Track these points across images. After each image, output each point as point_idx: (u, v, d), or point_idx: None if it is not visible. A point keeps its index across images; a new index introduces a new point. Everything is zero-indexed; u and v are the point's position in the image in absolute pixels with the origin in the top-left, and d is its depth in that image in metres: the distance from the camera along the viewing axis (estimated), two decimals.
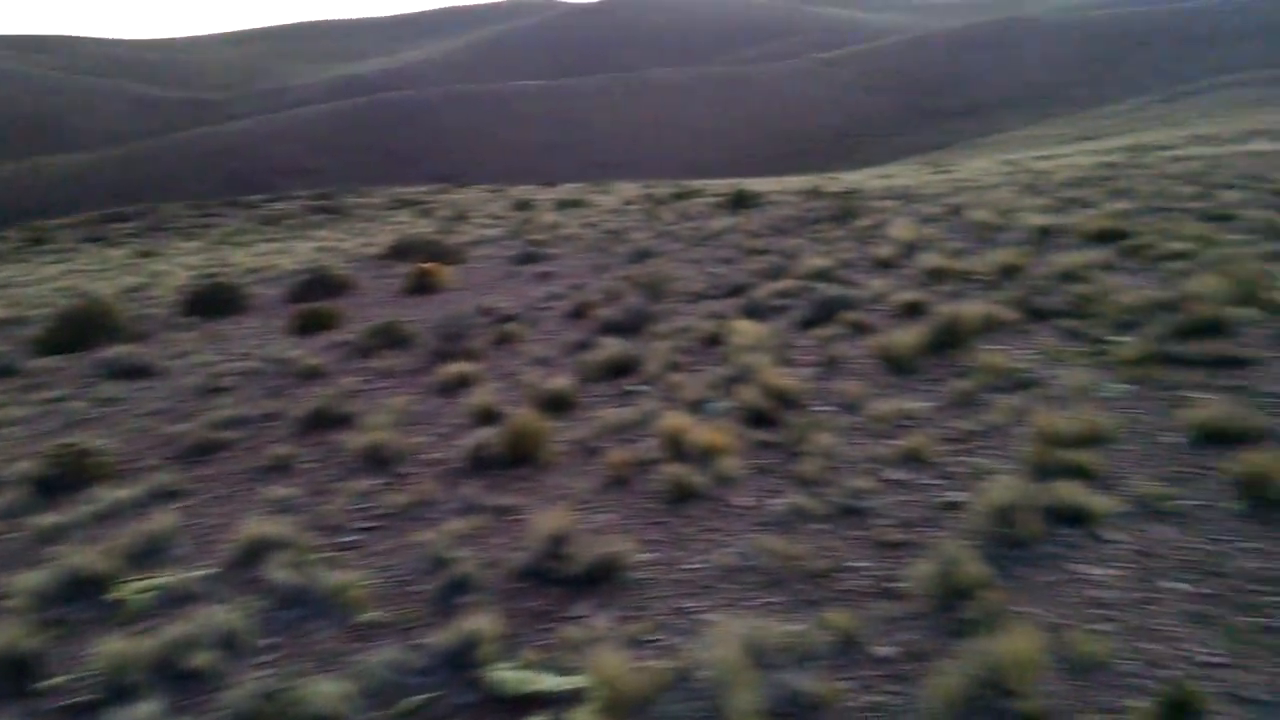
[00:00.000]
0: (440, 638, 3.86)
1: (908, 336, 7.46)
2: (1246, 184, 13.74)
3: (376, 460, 6.46)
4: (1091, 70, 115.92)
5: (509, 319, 10.72)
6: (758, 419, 6.26)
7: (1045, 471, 4.80)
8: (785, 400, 6.51)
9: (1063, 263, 9.45)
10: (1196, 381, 5.97)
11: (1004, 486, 4.46)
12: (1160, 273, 8.80)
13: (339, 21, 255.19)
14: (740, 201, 21.37)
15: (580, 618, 4.02)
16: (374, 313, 12.30)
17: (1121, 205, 12.92)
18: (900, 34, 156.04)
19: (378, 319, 11.08)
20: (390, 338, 10.24)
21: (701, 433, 5.84)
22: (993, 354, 6.94)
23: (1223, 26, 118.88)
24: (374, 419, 7.22)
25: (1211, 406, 5.31)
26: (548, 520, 4.69)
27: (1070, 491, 4.46)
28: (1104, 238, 10.70)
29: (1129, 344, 6.72)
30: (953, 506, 4.63)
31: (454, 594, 4.36)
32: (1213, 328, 6.87)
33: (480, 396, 7.40)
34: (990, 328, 7.72)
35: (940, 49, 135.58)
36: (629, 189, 35.53)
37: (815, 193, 22.98)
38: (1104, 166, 20.16)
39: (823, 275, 10.84)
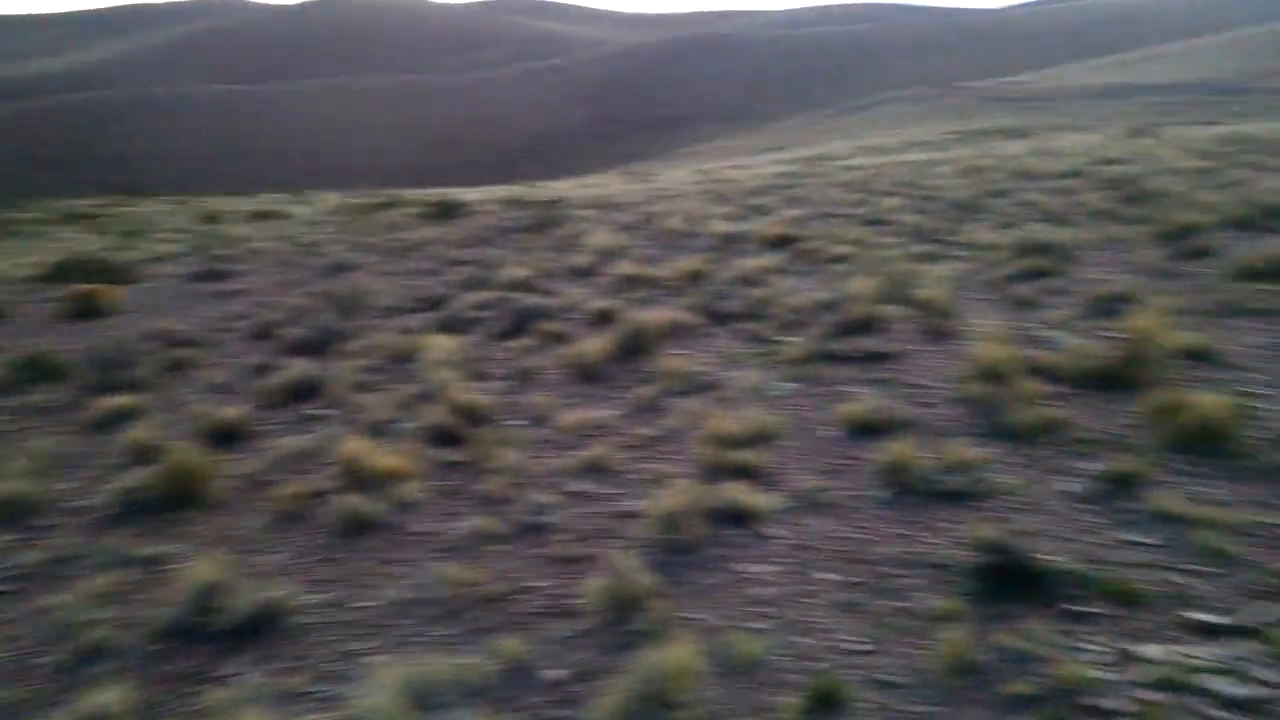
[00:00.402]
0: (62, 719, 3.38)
1: (597, 345, 7.55)
2: (901, 190, 15.16)
3: (11, 514, 5.66)
4: (780, 86, 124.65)
5: (183, 343, 9.84)
6: (444, 438, 6.07)
7: (716, 473, 4.96)
8: (474, 416, 6.36)
9: (742, 267, 9.95)
10: (852, 376, 6.42)
11: (676, 491, 4.55)
12: (825, 275, 9.47)
13: (3, 17, 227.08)
14: (444, 211, 20.99)
15: (231, 676, 3.67)
16: (23, 343, 10.92)
17: (796, 212, 13.85)
18: (603, 47, 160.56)
19: (26, 350, 9.83)
20: (39, 370, 9.08)
21: (383, 457, 5.57)
22: (676, 358, 7.15)
23: (889, 46, 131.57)
24: (12, 465, 6.34)
25: (863, 400, 5.71)
26: (201, 569, 4.26)
27: (736, 492, 4.62)
28: (779, 243, 11.40)
29: (795, 343, 7.13)
30: (630, 515, 4.67)
31: (86, 664, 3.85)
32: (867, 325, 7.45)
33: (140, 432, 6.69)
34: (675, 333, 7.96)
35: (643, 63, 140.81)
36: (329, 199, 34.04)
37: (519, 202, 23.01)
38: (784, 176, 21.61)
39: (522, 285, 10.81)
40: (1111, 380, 5.70)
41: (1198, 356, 5.96)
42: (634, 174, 34.17)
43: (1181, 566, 3.76)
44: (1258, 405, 5.16)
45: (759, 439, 5.39)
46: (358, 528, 4.91)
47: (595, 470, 5.32)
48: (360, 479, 5.42)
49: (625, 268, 10.81)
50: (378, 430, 6.32)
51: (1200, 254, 8.51)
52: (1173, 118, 36.72)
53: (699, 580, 4.00)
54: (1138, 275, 8.06)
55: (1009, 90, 72.95)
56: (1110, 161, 15.95)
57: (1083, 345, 6.25)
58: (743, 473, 4.94)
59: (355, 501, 5.07)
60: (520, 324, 8.86)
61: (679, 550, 4.22)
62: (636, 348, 7.60)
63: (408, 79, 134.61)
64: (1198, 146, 17.27)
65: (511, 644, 3.61)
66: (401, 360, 8.11)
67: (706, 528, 4.35)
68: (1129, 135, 24.18)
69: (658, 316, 8.12)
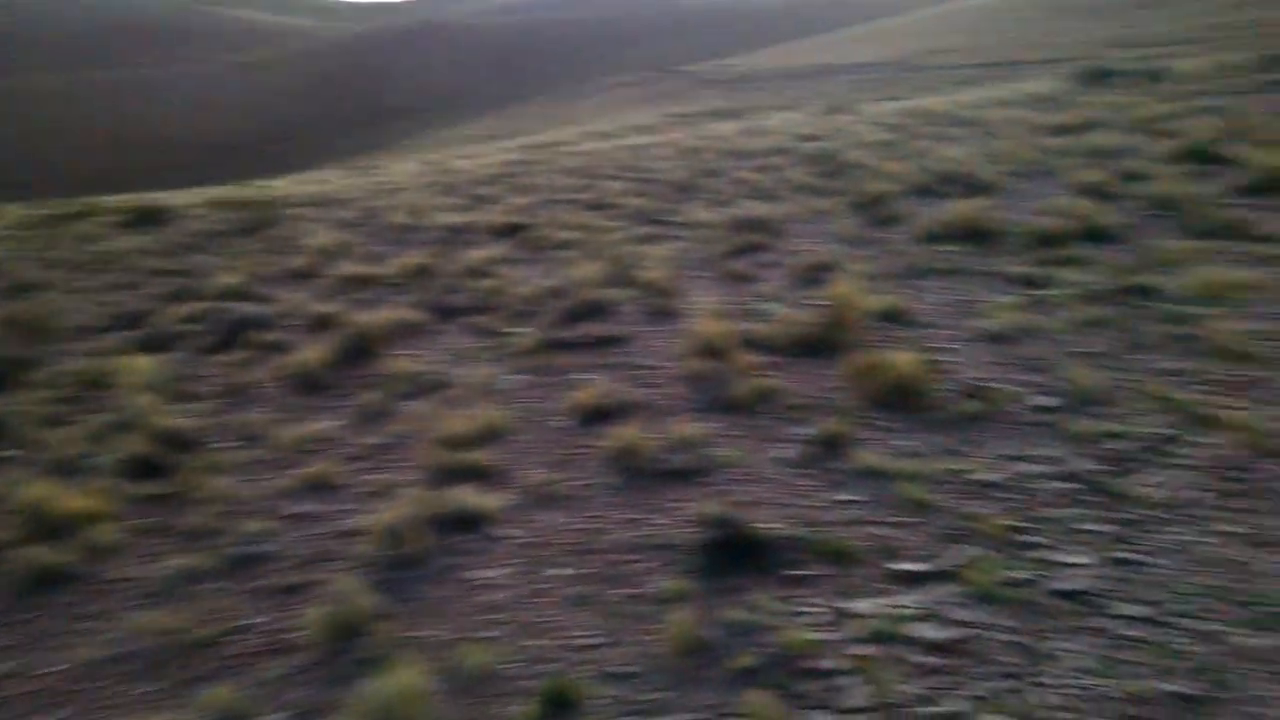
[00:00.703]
0: None
1: (318, 352, 7.15)
2: (624, 174, 15.43)
3: None
4: (504, 73, 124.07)
5: None
6: (145, 469, 5.53)
7: (445, 477, 4.80)
8: (179, 443, 5.84)
9: (470, 259, 9.77)
10: (581, 363, 6.42)
11: (402, 501, 4.36)
12: (552, 262, 9.46)
13: None
14: (145, 217, 19.29)
15: None
16: None
17: (523, 200, 13.77)
18: (316, 38, 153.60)
19: None
20: None
21: (73, 499, 4.99)
22: (402, 360, 6.90)
23: (611, 32, 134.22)
24: None
25: (593, 386, 5.72)
26: None
27: (466, 495, 4.49)
28: (507, 232, 11.29)
29: (525, 334, 7.07)
30: (353, 533, 4.42)
31: None
32: (595, 310, 7.50)
33: None
34: (401, 332, 7.69)
35: (364, 53, 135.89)
36: (11, 211, 30.54)
37: (231, 203, 21.54)
38: (511, 164, 21.48)
39: (234, 293, 10.10)
40: (818, 346, 6.02)
41: (891, 317, 6.41)
42: (358, 168, 32.96)
43: (886, 520, 4.01)
44: (943, 359, 5.61)
45: (489, 437, 5.28)
46: (44, 583, 4.37)
47: (316, 488, 5.01)
48: (46, 526, 4.83)
49: (347, 267, 10.35)
50: (67, 469, 5.66)
51: (890, 221, 9.19)
52: (865, 94, 39.71)
53: (428, 594, 3.84)
54: (838, 244, 8.58)
55: (722, 73, 76.34)
56: (811, 138, 16.96)
57: (791, 314, 6.57)
58: (472, 474, 4.81)
59: (40, 553, 4.51)
60: (232, 336, 8.26)
61: (406, 565, 4.04)
62: (360, 352, 7.27)
63: (97, 76, 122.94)
64: (885, 120, 18.72)
65: (224, 692, 3.32)
66: (95, 387, 7.34)
67: (434, 537, 4.19)
68: (827, 112, 25.88)
69: (382, 317, 7.83)
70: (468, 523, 4.33)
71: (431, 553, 4.11)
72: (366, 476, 5.08)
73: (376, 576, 3.91)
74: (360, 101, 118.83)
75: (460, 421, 5.38)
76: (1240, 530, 3.62)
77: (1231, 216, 7.80)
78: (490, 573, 3.94)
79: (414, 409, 5.93)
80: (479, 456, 4.97)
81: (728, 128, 25.23)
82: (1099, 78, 20.55)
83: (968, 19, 76.94)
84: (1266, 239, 7.24)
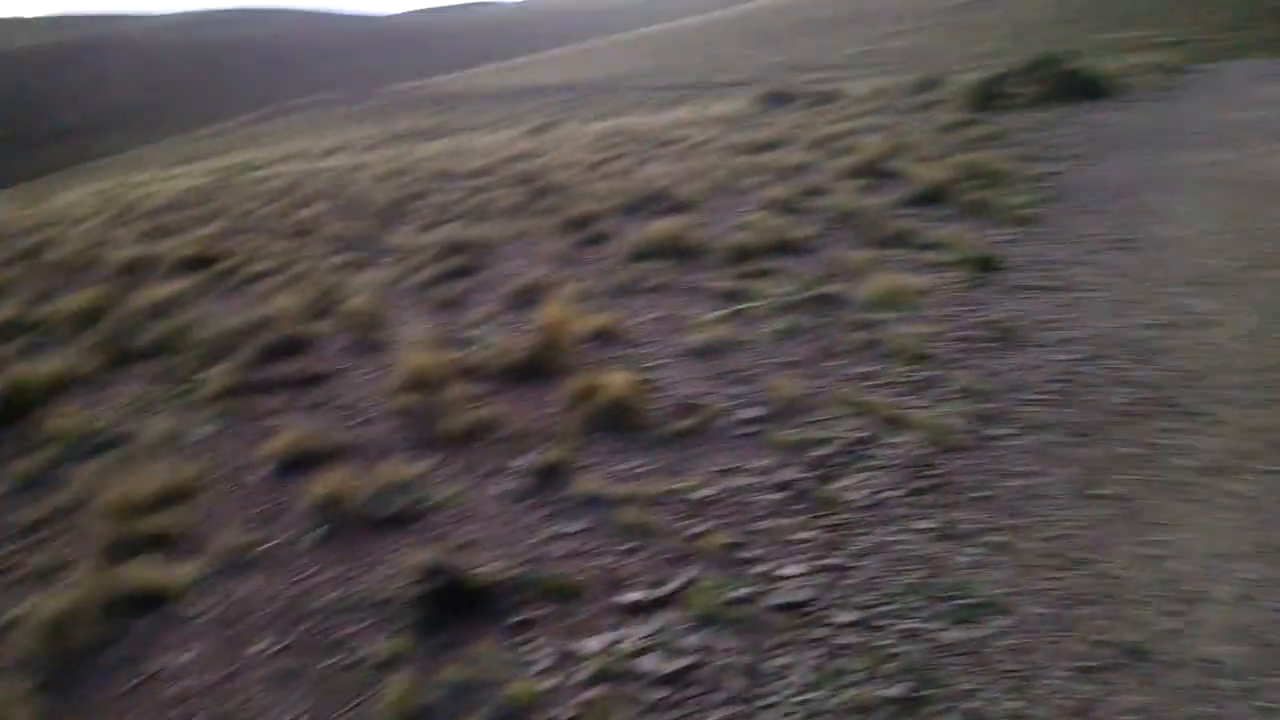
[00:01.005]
0: None
1: None
2: (324, 198, 14.71)
3: None
4: (188, 92, 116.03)
5: None
6: None
7: (124, 549, 4.24)
8: None
9: (151, 297, 8.89)
10: (282, 406, 5.96)
11: (70, 585, 3.80)
12: (247, 295, 8.79)
13: None
14: None
15: None
16: None
17: (212, 229, 12.80)
18: None
19: None
20: None
21: None
22: (71, 415, 6.10)
23: (299, 51, 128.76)
24: None
25: (294, 430, 5.30)
26: None
27: (148, 569, 3.98)
28: (194, 264, 10.41)
29: (215, 377, 6.47)
30: (10, 628, 3.79)
31: None
32: (295, 346, 7.01)
33: None
34: (69, 384, 6.83)
35: (21, 69, 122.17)
36: None
37: None
38: (197, 190, 19.99)
39: None
40: (533, 371, 5.91)
41: (603, 337, 6.42)
42: (19, 198, 29.44)
43: (610, 549, 3.94)
44: (656, 377, 5.68)
45: (175, 497, 4.73)
46: None
47: None
48: None
49: (3, 311, 9.14)
50: None
51: (598, 240, 9.29)
52: (571, 114, 40.50)
53: (104, 692, 3.34)
54: (548, 265, 8.55)
55: (423, 93, 75.39)
56: (518, 158, 16.98)
57: (505, 340, 6.43)
58: (156, 542, 4.29)
59: None
60: None
61: (76, 660, 3.50)
62: (19, 409, 6.40)
63: None
64: (589, 141, 19.09)
65: None
66: None
67: (111, 623, 3.67)
68: (533, 133, 26.11)
69: (46, 367, 6.94)
70: (151, 601, 3.83)
71: (107, 642, 3.59)
72: (26, 558, 4.41)
73: (39, 678, 3.36)
74: (23, 123, 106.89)
75: (141, 482, 4.79)
76: (932, 525, 3.86)
77: (901, 226, 8.52)
78: (180, 658, 3.49)
79: (85, 472, 5.23)
80: (164, 521, 4.44)
81: (434, 148, 24.84)
82: (781, 100, 22.07)
83: (664, 42, 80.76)
84: (932, 246, 7.95)
